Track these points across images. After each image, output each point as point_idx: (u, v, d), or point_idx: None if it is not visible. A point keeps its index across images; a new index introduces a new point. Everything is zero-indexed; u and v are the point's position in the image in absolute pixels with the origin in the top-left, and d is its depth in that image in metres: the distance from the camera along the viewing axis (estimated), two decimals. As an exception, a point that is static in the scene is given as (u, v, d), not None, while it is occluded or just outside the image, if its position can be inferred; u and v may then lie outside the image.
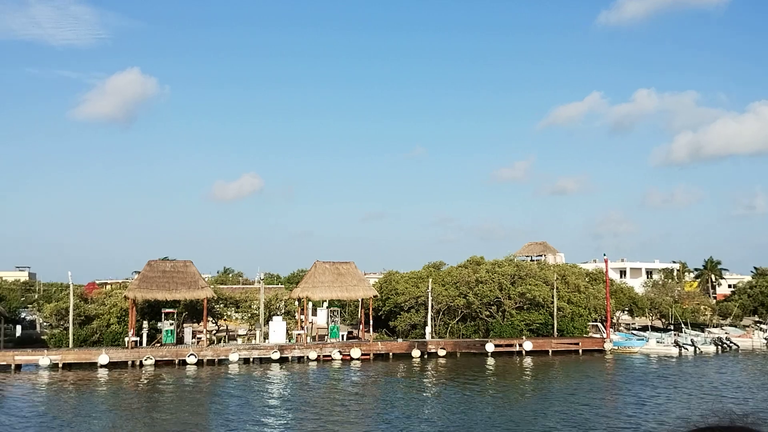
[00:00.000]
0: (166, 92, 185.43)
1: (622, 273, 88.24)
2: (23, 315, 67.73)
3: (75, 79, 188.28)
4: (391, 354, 51.09)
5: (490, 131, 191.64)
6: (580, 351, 53.62)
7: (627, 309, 68.80)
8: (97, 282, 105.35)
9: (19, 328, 60.06)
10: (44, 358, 44.90)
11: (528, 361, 49.83)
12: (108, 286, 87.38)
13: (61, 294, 74.77)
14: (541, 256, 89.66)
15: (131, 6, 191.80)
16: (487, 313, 56.83)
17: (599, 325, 58.91)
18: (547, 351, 52.95)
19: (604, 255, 62.89)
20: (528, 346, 52.53)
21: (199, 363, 46.77)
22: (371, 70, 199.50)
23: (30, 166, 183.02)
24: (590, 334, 58.67)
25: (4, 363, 45.18)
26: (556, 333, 56.32)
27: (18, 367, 44.95)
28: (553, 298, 56.35)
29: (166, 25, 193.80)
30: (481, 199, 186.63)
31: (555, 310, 56.32)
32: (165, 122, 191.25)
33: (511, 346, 52.99)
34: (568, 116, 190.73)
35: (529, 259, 79.90)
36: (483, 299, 56.13)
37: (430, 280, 57.28)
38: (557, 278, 58.17)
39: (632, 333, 62.53)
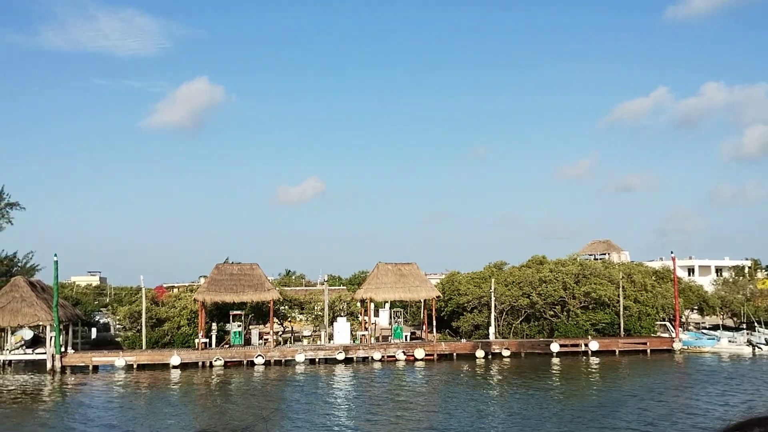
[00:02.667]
0: (233, 100, 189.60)
1: (690, 271, 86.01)
2: (98, 318, 70.17)
3: (140, 88, 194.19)
4: (454, 354, 51.14)
5: (554, 129, 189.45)
6: (648, 351, 52.59)
7: (696, 308, 67.10)
8: (165, 285, 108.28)
9: (94, 330, 62.40)
10: (120, 360, 46.56)
11: (594, 361, 49.18)
12: (175, 290, 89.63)
13: (132, 297, 77.25)
14: (604, 254, 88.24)
15: (193, 16, 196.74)
16: (552, 312, 56.28)
17: (667, 324, 57.64)
18: (614, 351, 52.12)
19: (672, 253, 61.58)
20: (594, 345, 51.82)
21: (267, 363, 47.75)
22: (433, 73, 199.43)
23: (101, 173, 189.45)
24: (658, 333, 57.48)
25: (83, 364, 47.05)
26: (622, 333, 55.37)
27: (95, 368, 46.73)
28: (619, 297, 55.44)
29: (227, 33, 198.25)
30: (543, 198, 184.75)
31: (621, 309, 55.39)
32: (231, 129, 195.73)
33: (576, 346, 52.37)
34: (634, 112, 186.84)
35: (592, 257, 78.77)
36: (547, 299, 55.61)
37: (493, 280, 57.06)
38: (623, 277, 57.17)
39: (702, 332, 60.99)
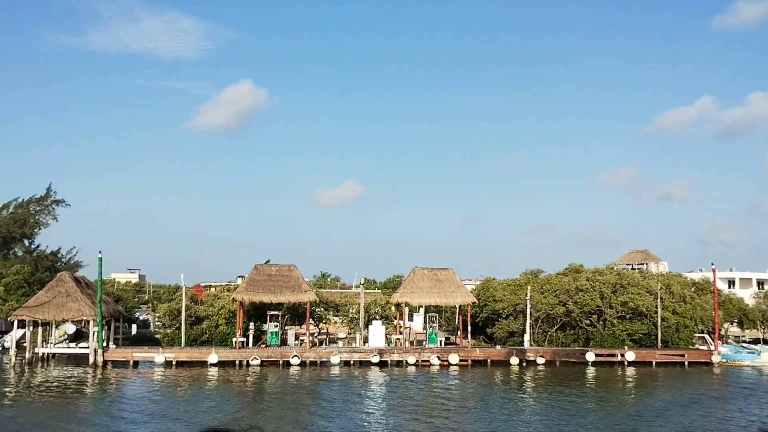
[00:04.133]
0: (276, 103, 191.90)
1: (731, 283, 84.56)
2: (137, 315, 71.67)
3: (181, 89, 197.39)
4: (489, 361, 51.15)
5: (594, 136, 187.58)
6: (686, 363, 51.95)
7: (736, 321, 66.02)
8: (203, 284, 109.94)
9: (134, 327, 63.81)
10: (159, 356, 47.55)
11: (631, 371, 48.77)
12: (213, 289, 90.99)
13: (172, 295, 78.60)
14: (642, 264, 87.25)
15: (236, 18, 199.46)
16: (588, 321, 55.93)
17: (706, 336, 56.84)
18: (651, 362, 51.61)
19: (712, 264, 60.67)
20: (630, 356, 51.38)
21: (302, 364, 48.33)
22: (474, 75, 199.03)
23: (143, 173, 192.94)
24: (696, 346, 56.72)
25: (124, 359, 48.16)
26: (660, 344, 54.78)
27: (136, 363, 47.79)
28: (656, 307, 54.89)
29: (269, 36, 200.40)
30: (581, 206, 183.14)
31: (659, 320, 54.81)
32: (273, 131, 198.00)
33: (612, 356, 51.97)
34: (677, 121, 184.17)
35: (629, 267, 77.95)
36: (583, 308, 55.29)
37: (529, 287, 56.93)
38: (661, 287, 56.56)
39: (742, 346, 60.01)
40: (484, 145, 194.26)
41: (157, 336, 58.73)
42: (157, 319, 64.33)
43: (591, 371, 48.38)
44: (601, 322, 55.71)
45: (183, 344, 51.42)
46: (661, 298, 55.53)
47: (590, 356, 51.40)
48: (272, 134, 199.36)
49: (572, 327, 56.99)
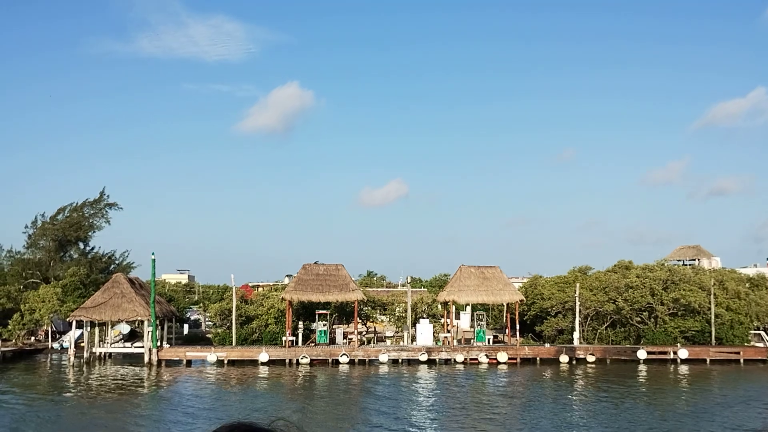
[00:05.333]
0: (322, 104, 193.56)
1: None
2: (189, 314, 73.10)
3: (227, 92, 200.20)
4: (538, 359, 50.80)
5: (643, 132, 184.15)
6: (742, 361, 50.81)
7: (793, 317, 64.22)
8: (251, 284, 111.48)
9: (186, 326, 65.11)
10: (211, 355, 48.46)
11: (683, 369, 47.94)
12: (260, 288, 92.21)
13: (221, 295, 79.98)
14: (694, 260, 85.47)
15: (279, 21, 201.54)
16: (638, 319, 55.11)
17: (762, 333, 55.47)
18: (705, 360, 50.60)
19: (767, 259, 59.19)
20: (683, 353, 50.45)
21: (351, 363, 48.70)
22: (521, 77, 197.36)
23: (192, 175, 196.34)
24: (752, 343, 55.42)
25: (177, 358, 49.23)
26: (713, 341, 53.69)
27: (189, 362, 48.82)
28: (710, 304, 53.80)
29: (312, 38, 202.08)
30: (630, 202, 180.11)
31: (712, 317, 53.72)
32: (319, 132, 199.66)
33: (664, 353, 51.12)
34: (729, 113, 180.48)
35: (681, 263, 76.51)
36: (633, 305, 54.48)
37: (578, 284, 56.33)
38: (714, 283, 55.42)
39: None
40: (533, 143, 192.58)
41: (209, 335, 59.82)
42: (208, 319, 65.53)
43: (643, 369, 47.70)
44: (652, 320, 54.85)
45: (234, 343, 52.29)
46: (715, 294, 54.41)
47: (642, 354, 50.65)
48: (319, 135, 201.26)
49: (622, 324, 56.23)
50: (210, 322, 64.75)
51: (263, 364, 47.78)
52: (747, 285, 60.28)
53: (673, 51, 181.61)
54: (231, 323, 53.83)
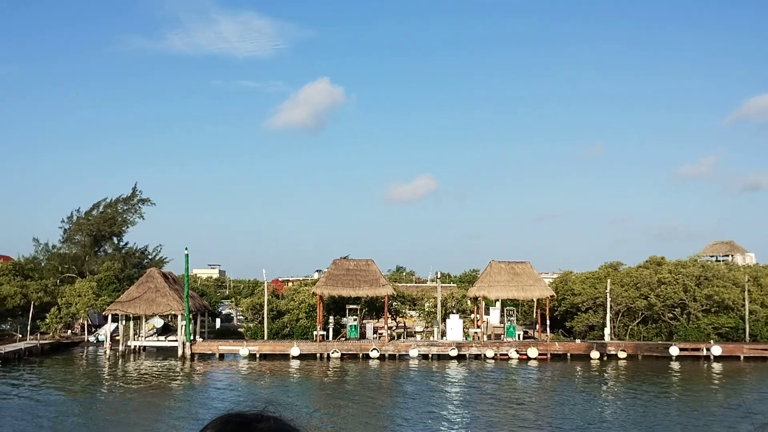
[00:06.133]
0: (353, 100, 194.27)
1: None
2: (221, 309, 73.99)
3: (255, 88, 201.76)
4: (568, 354, 50.64)
5: (675, 126, 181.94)
6: (777, 358, 50.15)
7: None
8: (280, 279, 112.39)
9: (218, 320, 65.94)
10: (244, 349, 49.09)
11: (717, 366, 47.43)
12: (290, 283, 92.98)
13: (252, 290, 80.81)
14: (727, 256, 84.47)
15: (307, 17, 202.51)
16: (671, 315, 54.63)
17: (798, 330, 54.67)
18: (738, 357, 50.03)
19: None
20: (716, 350, 49.92)
21: (381, 357, 49.00)
22: (551, 64, 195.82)
23: (221, 171, 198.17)
24: (787, 340, 54.63)
25: (210, 352, 49.97)
26: (748, 338, 53.05)
27: (221, 356, 49.50)
28: (744, 300, 53.15)
29: (340, 34, 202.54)
30: (661, 197, 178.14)
31: (747, 313, 53.06)
32: (349, 128, 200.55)
33: (697, 350, 50.61)
34: (763, 106, 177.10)
35: (714, 259, 75.62)
36: (666, 301, 54.02)
37: (609, 280, 55.98)
38: (748, 280, 54.71)
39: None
40: (562, 137, 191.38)
41: (240, 330, 60.54)
42: (239, 313, 66.25)
43: (675, 366, 47.30)
44: (684, 316, 54.35)
45: (265, 337, 52.88)
46: (749, 290, 53.72)
47: (674, 350, 50.22)
48: (349, 131, 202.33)
49: (654, 321, 55.78)
50: (241, 317, 65.50)
51: (294, 358, 48.29)
52: (783, 281, 59.33)
53: (706, 43, 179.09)
54: (262, 318, 54.43)
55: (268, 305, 54.40)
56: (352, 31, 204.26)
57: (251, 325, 57.13)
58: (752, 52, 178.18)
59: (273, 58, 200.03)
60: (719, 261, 71.40)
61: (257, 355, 48.90)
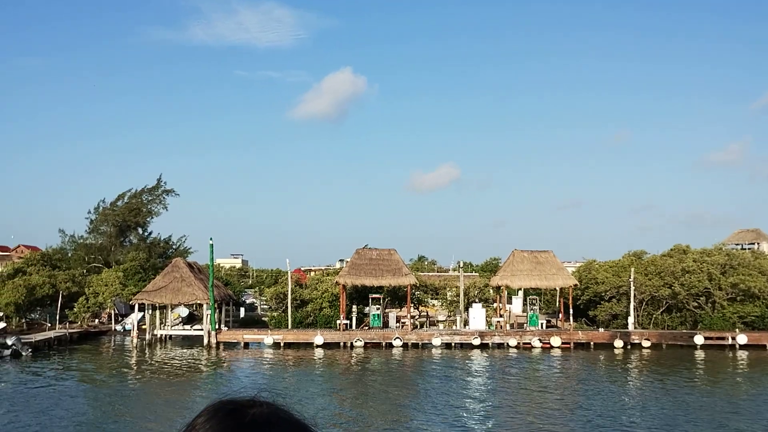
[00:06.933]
0: (375, 90, 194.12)
1: None
2: (245, 298, 74.69)
3: (277, 78, 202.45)
4: (592, 343, 50.57)
5: (702, 112, 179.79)
6: (804, 347, 49.69)
7: None
8: (303, 268, 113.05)
9: (242, 309, 66.62)
10: (268, 338, 49.61)
11: (742, 355, 47.12)
12: (312, 273, 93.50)
13: (274, 279, 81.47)
14: (753, 244, 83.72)
15: (328, 7, 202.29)
16: (695, 304, 54.28)
17: (825, 319, 54.08)
18: (765, 345, 49.63)
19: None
20: (742, 339, 49.57)
21: (404, 346, 49.29)
22: (574, 64, 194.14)
23: (245, 162, 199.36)
24: (814, 328, 54.08)
25: (235, 340, 50.56)
26: (774, 327, 52.62)
27: (246, 344, 50.10)
28: (770, 289, 52.66)
29: (361, 24, 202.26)
30: (687, 185, 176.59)
31: (773, 302, 52.59)
32: (372, 117, 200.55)
33: (722, 339, 50.30)
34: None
35: (739, 247, 74.97)
36: (690, 290, 53.67)
37: (632, 269, 55.71)
38: (775, 268, 54.19)
39: None
40: (587, 123, 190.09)
41: (264, 319, 61.13)
42: (263, 303, 66.86)
43: (700, 355, 47.07)
44: (709, 305, 53.98)
45: (289, 326, 53.39)
46: (775, 279, 53.22)
47: (699, 339, 49.94)
48: (371, 120, 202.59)
49: (678, 309, 55.46)
50: (265, 306, 66.11)
51: (318, 346, 48.72)
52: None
53: (733, 27, 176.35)
54: (286, 307, 54.93)
55: (291, 294, 54.86)
56: (373, 19, 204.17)
57: (275, 314, 57.66)
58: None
59: (294, 48, 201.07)
60: (745, 249, 70.78)
61: (281, 344, 49.40)
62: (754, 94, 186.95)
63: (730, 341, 49.93)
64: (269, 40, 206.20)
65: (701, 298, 54.04)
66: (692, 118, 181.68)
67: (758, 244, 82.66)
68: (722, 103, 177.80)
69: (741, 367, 42.73)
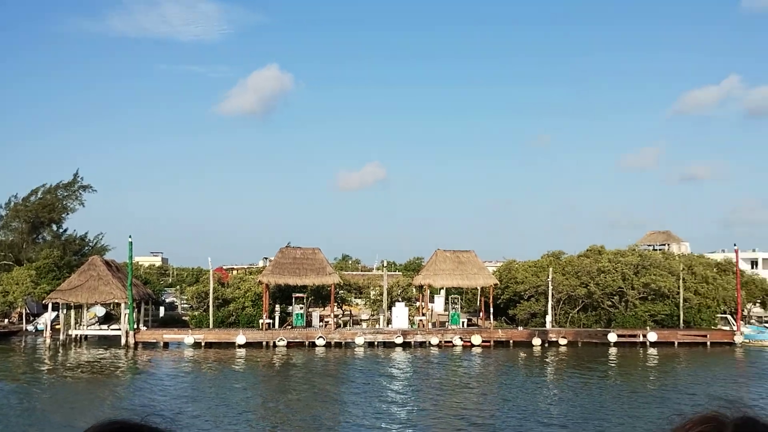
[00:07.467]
0: (302, 87, 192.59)
1: (754, 263, 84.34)
2: (164, 297, 72.95)
3: (202, 73, 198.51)
4: (511, 342, 51.75)
5: (620, 117, 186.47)
6: (708, 344, 52.24)
7: (759, 301, 66.01)
8: (225, 267, 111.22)
9: (162, 309, 65.06)
10: (189, 337, 48.68)
11: (652, 352, 49.22)
12: (235, 272, 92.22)
13: (195, 278, 79.96)
14: (664, 245, 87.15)
15: (255, 1, 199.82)
16: (609, 303, 56.32)
17: (728, 317, 57.04)
18: (673, 342, 51.98)
19: (735, 245, 60.64)
20: (652, 337, 51.78)
21: (327, 345, 49.25)
22: (500, 63, 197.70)
23: (166, 157, 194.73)
24: (719, 326, 56.97)
25: (154, 340, 49.39)
26: (682, 324, 55.12)
27: (166, 344, 48.99)
28: (679, 288, 55.13)
29: (290, 20, 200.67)
30: (604, 187, 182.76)
31: (681, 301, 55.09)
32: (298, 115, 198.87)
33: (634, 336, 52.41)
34: (702, 100, 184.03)
35: (651, 248, 77.97)
36: (605, 289, 55.65)
37: (551, 269, 57.34)
38: (683, 268, 56.79)
39: (765, 326, 60.15)
40: (510, 128, 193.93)
41: (185, 318, 59.91)
42: (184, 302, 65.52)
43: (613, 352, 48.89)
44: (622, 304, 56.08)
45: (211, 326, 52.52)
46: (683, 278, 55.77)
47: (612, 337, 51.88)
48: (297, 118, 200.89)
49: (594, 308, 57.41)
50: (186, 305, 64.80)
51: (240, 346, 48.13)
52: (714, 270, 61.77)
53: (648, 37, 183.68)
54: (208, 306, 54.01)
55: (213, 293, 53.98)
56: (301, 16, 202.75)
57: (196, 313, 56.60)
58: (693, 46, 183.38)
59: (220, 43, 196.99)
60: (656, 250, 73.71)
61: (202, 344, 48.56)
62: (668, 100, 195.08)
63: (641, 339, 52.06)
64: (193, 34, 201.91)
65: (615, 297, 56.10)
66: (611, 122, 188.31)
67: (669, 245, 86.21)
68: (638, 109, 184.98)
69: (651, 363, 44.62)
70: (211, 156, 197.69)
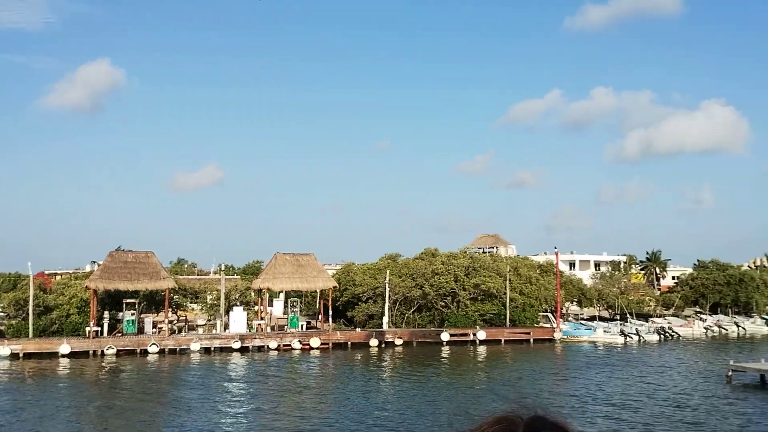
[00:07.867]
0: (135, 84, 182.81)
1: (572, 265, 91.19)
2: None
3: (21, 63, 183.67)
4: (349, 343, 52.45)
5: (456, 125, 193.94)
6: (531, 340, 55.83)
7: (576, 300, 71.50)
8: (47, 272, 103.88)
9: (-27, 318, 59.55)
10: (4, 348, 45.00)
11: (481, 349, 51.82)
12: (58, 277, 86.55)
13: (13, 284, 74.04)
14: (493, 248, 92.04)
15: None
16: (443, 303, 58.60)
17: (549, 315, 61.29)
18: (500, 340, 55.01)
19: (555, 248, 65.40)
20: (481, 335, 54.53)
21: (161, 352, 47.42)
22: (343, 66, 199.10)
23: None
24: (541, 324, 61.03)
25: (-38, 353, 45.11)
26: (508, 323, 58.46)
27: (-23, 356, 44.94)
28: (505, 289, 58.43)
29: (122, 12, 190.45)
30: (440, 192, 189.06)
31: (507, 300, 58.43)
32: (130, 113, 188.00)
33: (465, 335, 54.93)
34: (528, 112, 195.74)
35: (481, 251, 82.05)
36: (439, 290, 57.86)
37: (388, 271, 58.75)
38: (510, 270, 60.27)
39: (581, 323, 65.07)
40: (351, 133, 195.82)
41: (1, 327, 55.21)
42: (1, 310, 60.38)
43: (446, 350, 50.94)
44: (455, 304, 58.55)
45: (30, 335, 48.81)
46: (510, 279, 59.18)
47: (445, 336, 54.06)
48: (130, 115, 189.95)
49: (428, 309, 59.47)
50: (2, 313, 59.74)
51: (64, 356, 45.19)
52: (537, 271, 66.15)
53: (483, 48, 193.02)
54: (27, 314, 50.13)
55: (33, 300, 50.19)
56: (135, 7, 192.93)
57: (14, 322, 52.31)
58: (521, 60, 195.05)
59: (43, 33, 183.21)
60: (486, 252, 77.69)
61: (20, 355, 45.09)
62: (499, 111, 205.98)
63: (471, 337, 54.67)
64: (12, 21, 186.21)
65: (448, 298, 58.47)
66: (447, 131, 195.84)
67: (497, 248, 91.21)
68: (473, 117, 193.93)
69: (480, 359, 47.01)
70: (34, 153, 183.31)
